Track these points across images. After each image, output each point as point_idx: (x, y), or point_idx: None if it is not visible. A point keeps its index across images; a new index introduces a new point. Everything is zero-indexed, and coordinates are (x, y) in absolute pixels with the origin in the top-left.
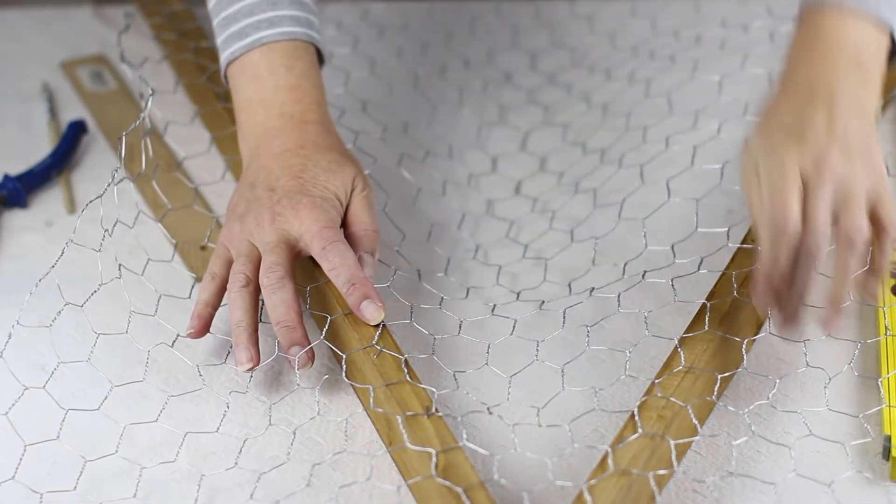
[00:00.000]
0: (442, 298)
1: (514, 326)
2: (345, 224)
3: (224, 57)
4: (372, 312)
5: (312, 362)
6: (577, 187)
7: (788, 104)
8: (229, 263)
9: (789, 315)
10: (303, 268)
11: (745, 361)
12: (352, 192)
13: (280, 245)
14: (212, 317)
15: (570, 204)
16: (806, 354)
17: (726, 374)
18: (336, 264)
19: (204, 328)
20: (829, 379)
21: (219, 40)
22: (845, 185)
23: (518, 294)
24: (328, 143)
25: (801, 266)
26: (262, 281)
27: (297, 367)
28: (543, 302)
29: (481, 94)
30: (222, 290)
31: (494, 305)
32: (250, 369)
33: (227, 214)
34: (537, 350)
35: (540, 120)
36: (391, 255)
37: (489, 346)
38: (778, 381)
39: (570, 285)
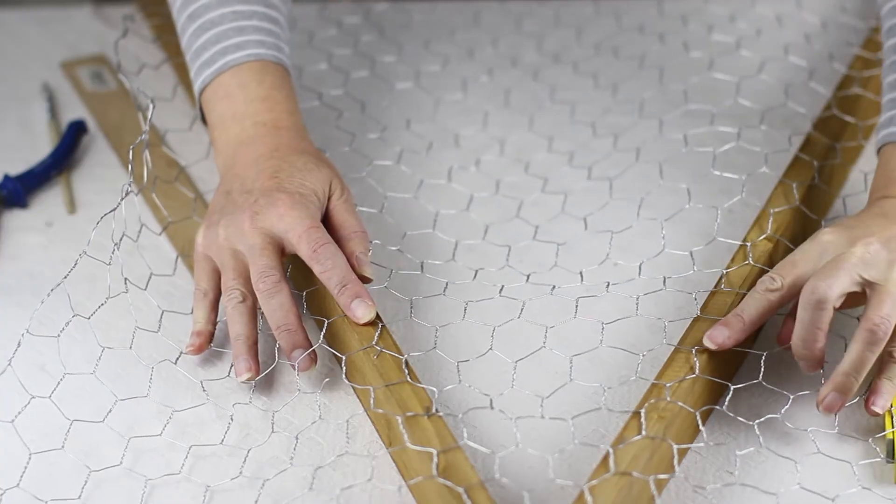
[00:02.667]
0: (446, 284)
1: (521, 309)
2: (331, 228)
3: (197, 87)
4: (363, 311)
5: (315, 364)
6: (590, 172)
7: (861, 220)
8: (216, 275)
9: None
10: (300, 271)
11: (761, 373)
12: (331, 195)
13: (267, 247)
14: (211, 333)
15: (586, 189)
16: (823, 380)
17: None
18: (328, 267)
19: (204, 345)
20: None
21: (192, 73)
22: (878, 267)
23: (528, 276)
24: (302, 146)
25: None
26: (258, 286)
27: (299, 370)
28: (554, 287)
29: (486, 82)
30: (216, 304)
31: (503, 286)
32: (250, 379)
33: (203, 224)
34: (545, 336)
35: (547, 99)
36: (390, 254)
37: (494, 329)
38: (791, 397)
39: (581, 273)
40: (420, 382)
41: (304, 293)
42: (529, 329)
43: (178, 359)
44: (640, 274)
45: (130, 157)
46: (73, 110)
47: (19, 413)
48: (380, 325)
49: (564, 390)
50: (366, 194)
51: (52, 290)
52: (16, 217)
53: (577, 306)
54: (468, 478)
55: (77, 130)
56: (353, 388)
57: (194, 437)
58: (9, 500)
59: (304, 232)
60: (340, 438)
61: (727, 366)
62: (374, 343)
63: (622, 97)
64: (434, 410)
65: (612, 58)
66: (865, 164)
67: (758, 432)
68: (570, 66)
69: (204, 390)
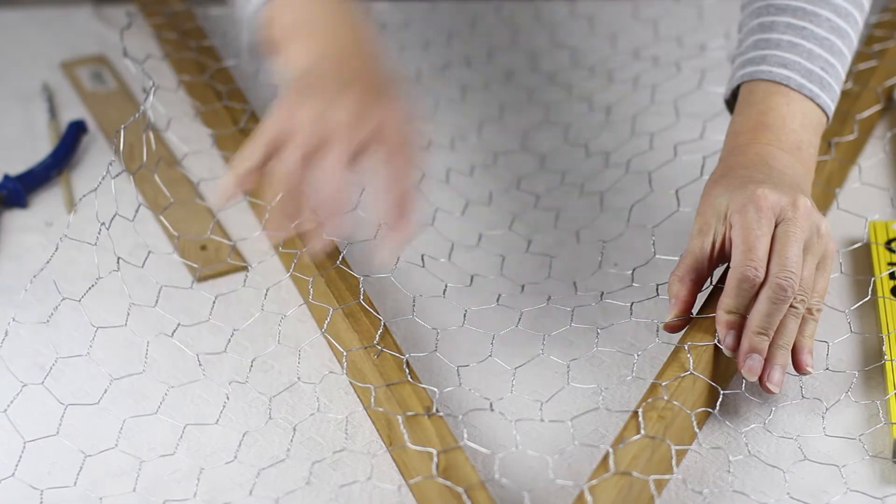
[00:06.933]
0: (446, 286)
1: (519, 318)
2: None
3: (253, 6)
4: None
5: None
6: (582, 189)
7: (737, 177)
8: (274, 148)
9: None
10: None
11: (744, 385)
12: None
13: (356, 133)
14: (251, 177)
15: (575, 204)
16: (802, 388)
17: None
18: (402, 177)
19: (240, 185)
20: (826, 409)
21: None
22: (813, 231)
23: (522, 287)
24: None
25: (767, 301)
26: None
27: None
28: (550, 297)
29: (483, 92)
30: (265, 164)
31: (500, 295)
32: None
33: (285, 95)
34: (543, 344)
35: (540, 119)
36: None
37: (494, 337)
38: (774, 408)
39: (574, 283)
40: (420, 382)
41: (311, 279)
42: (527, 335)
43: (174, 332)
44: (633, 282)
45: (121, 138)
46: (73, 110)
47: (12, 401)
48: (381, 324)
49: (563, 391)
50: None
51: (34, 276)
52: (16, 217)
53: (572, 315)
54: (468, 478)
55: (77, 130)
56: (354, 386)
57: (191, 418)
58: (4, 489)
59: (402, 139)
60: (339, 436)
61: (726, 366)
62: (375, 342)
63: (615, 117)
64: (434, 410)
65: (605, 80)
66: (861, 160)
67: (745, 440)
68: (565, 88)
69: (200, 364)
